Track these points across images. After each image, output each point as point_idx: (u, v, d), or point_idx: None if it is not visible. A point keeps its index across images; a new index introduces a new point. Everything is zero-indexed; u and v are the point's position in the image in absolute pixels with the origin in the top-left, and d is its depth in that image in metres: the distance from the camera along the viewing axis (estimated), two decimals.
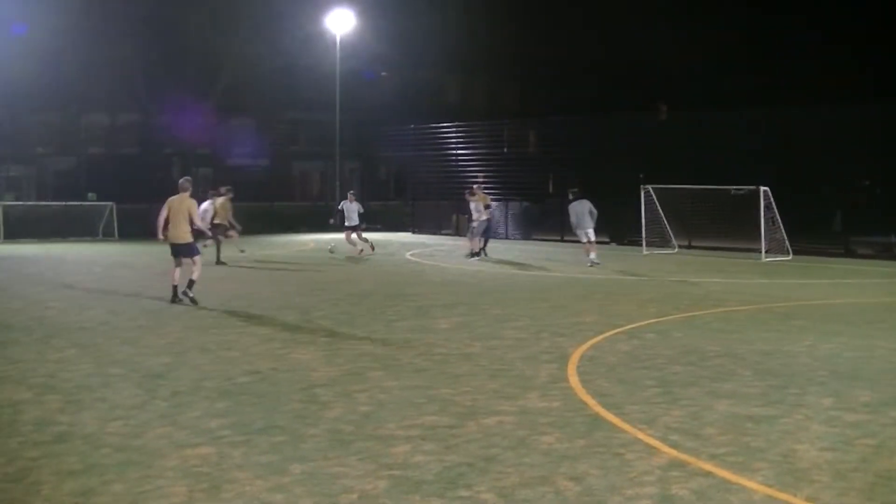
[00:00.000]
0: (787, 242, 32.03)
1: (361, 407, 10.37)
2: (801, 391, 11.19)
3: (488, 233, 33.05)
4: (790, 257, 31.53)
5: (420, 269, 28.54)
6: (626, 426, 9.55)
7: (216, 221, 29.48)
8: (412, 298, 20.63)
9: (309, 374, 12.18)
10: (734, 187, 34.21)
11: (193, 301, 19.43)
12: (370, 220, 52.07)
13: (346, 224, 33.06)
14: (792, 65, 61.35)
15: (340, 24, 50.59)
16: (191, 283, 19.68)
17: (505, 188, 45.60)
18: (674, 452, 8.63)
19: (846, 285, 24.38)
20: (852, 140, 33.95)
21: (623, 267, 28.54)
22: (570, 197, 29.29)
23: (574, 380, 11.81)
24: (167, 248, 20.16)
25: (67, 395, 10.92)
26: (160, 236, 19.99)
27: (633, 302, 20.02)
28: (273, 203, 51.83)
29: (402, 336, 15.38)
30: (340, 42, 50.69)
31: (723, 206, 34.00)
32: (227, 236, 30.21)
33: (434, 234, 47.12)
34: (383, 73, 69.48)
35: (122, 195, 46.23)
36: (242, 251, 31.67)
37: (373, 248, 33.61)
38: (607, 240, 38.07)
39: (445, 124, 50.49)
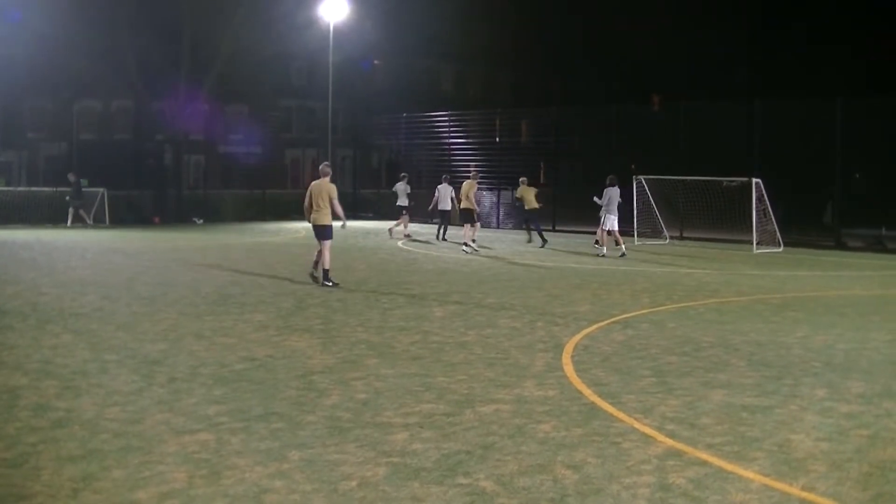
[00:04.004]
0: (778, 234, 32.12)
1: (359, 394, 10.41)
2: (795, 382, 11.27)
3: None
4: (781, 249, 31.60)
5: (413, 257, 28.53)
6: (622, 415, 9.61)
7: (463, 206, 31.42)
8: (406, 286, 20.66)
9: (305, 361, 12.22)
10: (726, 179, 34.29)
11: (319, 283, 20.40)
12: (363, 209, 52.17)
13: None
14: (785, 57, 61.55)
15: (334, 11, 50.48)
16: (315, 265, 20.74)
17: (497, 177, 45.59)
18: (670, 441, 8.69)
19: (838, 277, 24.48)
20: (844, 133, 33.97)
21: (616, 257, 28.58)
22: (608, 183, 29.28)
23: (569, 369, 11.86)
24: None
25: (64, 381, 10.94)
26: (310, 220, 21.02)
27: (627, 292, 20.08)
28: (265, 190, 51.73)
29: (397, 324, 15.42)
30: (334, 30, 50.62)
31: (715, 198, 34.06)
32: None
33: (426, 222, 47.15)
34: (376, 62, 69.41)
35: (113, 181, 46.18)
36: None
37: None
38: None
39: (438, 113, 50.45)
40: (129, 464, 7.89)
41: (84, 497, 7.14)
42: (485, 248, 31.27)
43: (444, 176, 36.24)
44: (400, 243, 33.52)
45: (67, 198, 42.03)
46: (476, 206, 31.31)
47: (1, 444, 8.41)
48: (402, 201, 37.53)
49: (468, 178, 32.50)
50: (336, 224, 20.86)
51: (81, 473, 7.64)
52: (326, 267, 20.50)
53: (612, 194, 29.10)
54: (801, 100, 34.81)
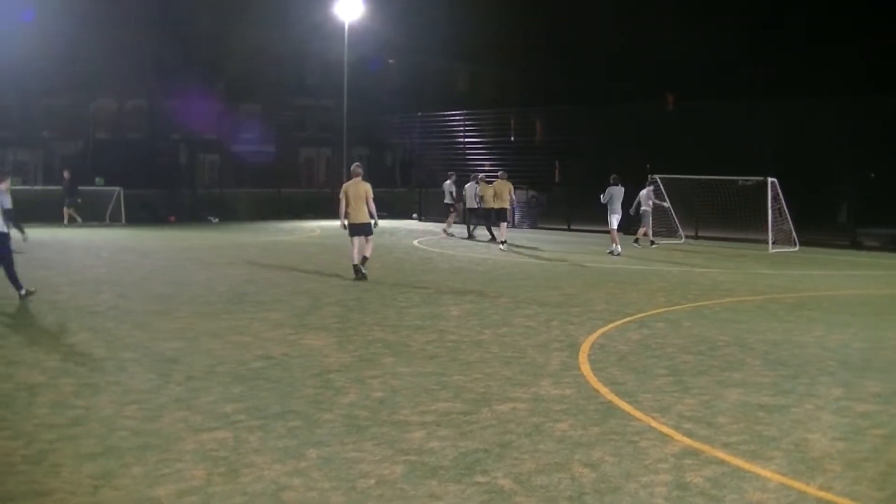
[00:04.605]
0: (793, 234, 32.03)
1: (375, 393, 10.44)
2: (811, 381, 11.27)
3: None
4: (797, 248, 31.53)
5: (428, 256, 28.53)
6: (639, 414, 9.62)
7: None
8: (422, 285, 20.69)
9: (322, 359, 12.25)
10: (741, 178, 34.22)
11: (364, 276, 21.24)
12: (377, 208, 52.12)
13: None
14: (799, 57, 61.39)
15: (349, 11, 50.45)
16: (364, 260, 21.54)
17: (511, 176, 45.58)
18: (687, 440, 8.70)
19: (853, 277, 24.42)
20: (858, 132, 33.91)
21: (630, 256, 28.58)
22: (611, 182, 29.48)
23: (586, 367, 11.87)
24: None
25: (82, 379, 10.99)
26: (343, 222, 21.88)
27: (642, 291, 20.07)
28: (279, 189, 51.76)
29: (413, 323, 15.46)
30: (348, 29, 50.61)
31: (730, 197, 33.99)
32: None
33: (440, 221, 47.16)
34: (391, 61, 69.46)
35: (128, 180, 46.18)
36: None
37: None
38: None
39: (452, 112, 50.44)
40: (147, 461, 7.93)
41: (103, 494, 7.19)
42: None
43: (472, 175, 36.97)
44: (416, 242, 33.54)
45: (79, 199, 42.02)
46: (514, 205, 32.26)
47: (20, 441, 8.47)
48: (449, 199, 38.71)
49: (496, 178, 32.97)
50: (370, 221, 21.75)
51: (100, 470, 7.69)
52: (368, 255, 21.66)
53: (615, 193, 29.22)
54: (816, 99, 34.76)
